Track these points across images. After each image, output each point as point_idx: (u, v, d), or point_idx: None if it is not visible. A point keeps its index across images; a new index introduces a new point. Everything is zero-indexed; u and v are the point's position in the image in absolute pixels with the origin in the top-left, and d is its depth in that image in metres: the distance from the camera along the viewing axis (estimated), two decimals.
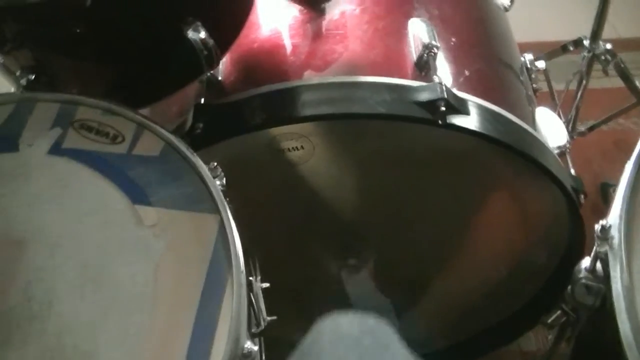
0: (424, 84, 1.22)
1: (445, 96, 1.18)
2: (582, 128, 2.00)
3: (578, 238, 1.37)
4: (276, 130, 1.23)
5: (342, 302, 1.50)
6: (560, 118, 1.62)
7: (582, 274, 0.99)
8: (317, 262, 1.50)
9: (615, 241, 0.90)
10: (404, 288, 1.58)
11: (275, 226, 1.38)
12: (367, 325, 1.20)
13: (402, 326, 1.53)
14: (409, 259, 1.52)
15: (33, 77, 1.11)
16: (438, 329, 1.71)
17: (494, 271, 1.59)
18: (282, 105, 1.23)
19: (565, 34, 1.98)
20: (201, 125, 1.21)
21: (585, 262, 0.99)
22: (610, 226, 0.92)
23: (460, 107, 1.21)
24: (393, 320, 1.48)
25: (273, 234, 1.38)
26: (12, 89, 1.24)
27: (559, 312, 1.26)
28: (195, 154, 1.00)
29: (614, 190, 1.58)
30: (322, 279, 1.51)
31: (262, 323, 0.96)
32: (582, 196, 1.35)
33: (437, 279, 1.60)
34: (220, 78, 1.29)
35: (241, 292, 0.87)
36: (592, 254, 0.96)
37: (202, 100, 1.27)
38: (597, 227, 0.93)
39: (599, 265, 0.96)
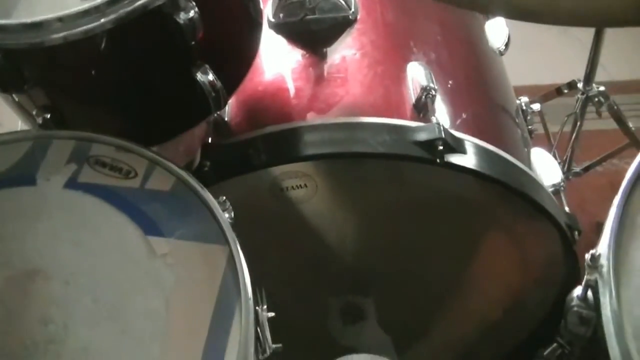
0: (422, 124, 1.27)
1: (443, 136, 1.22)
2: (577, 169, 2.04)
3: (573, 275, 1.39)
4: (280, 169, 1.27)
5: (344, 339, 1.53)
6: (556, 159, 1.65)
7: (574, 302, 1.02)
8: (318, 300, 1.53)
9: (605, 269, 0.94)
10: (402, 327, 1.59)
11: (277, 265, 1.41)
12: None
13: None
14: (408, 299, 1.54)
15: (49, 116, 1.15)
16: None
17: (491, 310, 1.60)
18: (285, 145, 1.27)
19: (560, 77, 2.02)
20: (208, 163, 1.25)
21: (577, 290, 1.03)
22: (599, 255, 0.96)
23: (457, 147, 1.25)
24: (393, 357, 1.52)
25: (275, 272, 1.41)
26: (20, 125, 1.29)
27: (554, 345, 1.29)
28: (205, 189, 1.04)
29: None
30: (324, 317, 1.54)
31: (268, 350, 0.99)
32: (577, 233, 1.38)
33: (435, 318, 1.62)
34: (226, 119, 1.33)
35: (249, 319, 0.91)
36: (583, 282, 1.00)
37: (210, 140, 1.31)
38: (587, 256, 0.97)
39: (589, 293, 1.00)
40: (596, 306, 0.96)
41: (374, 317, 1.53)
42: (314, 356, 1.39)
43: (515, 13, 1.15)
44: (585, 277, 0.98)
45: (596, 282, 0.95)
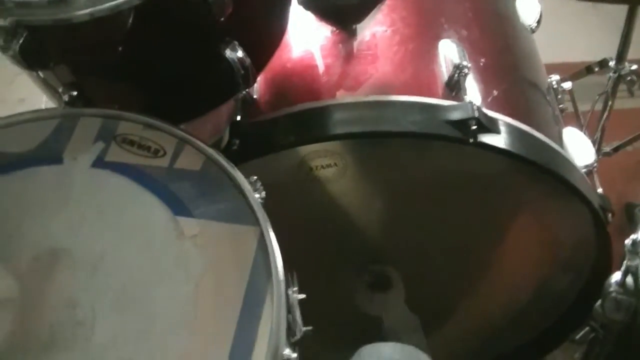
0: (455, 103, 1.24)
1: (477, 115, 1.20)
2: (607, 148, 2.01)
3: (605, 257, 1.38)
4: (309, 148, 1.26)
5: (370, 320, 1.52)
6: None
7: (613, 288, 1.00)
8: (346, 281, 1.51)
9: None
10: (429, 309, 1.58)
11: (304, 245, 1.38)
12: (407, 351, 1.23)
13: (428, 345, 1.56)
14: (435, 281, 1.53)
15: (75, 93, 1.13)
16: (462, 348, 1.71)
17: (519, 292, 1.60)
18: (315, 124, 1.25)
19: (590, 55, 2.00)
20: (237, 142, 1.23)
21: (616, 276, 1.01)
22: None
23: (490, 126, 1.22)
24: (422, 337, 1.51)
25: (302, 253, 1.40)
26: (44, 103, 1.27)
27: (587, 328, 1.28)
28: (235, 168, 1.02)
29: None
30: (350, 298, 1.52)
31: (298, 333, 0.98)
32: (610, 215, 1.36)
33: (463, 300, 1.62)
34: (255, 96, 1.32)
35: (281, 302, 0.89)
36: (623, 268, 0.98)
37: (238, 118, 1.30)
38: (628, 241, 0.95)
39: (629, 279, 0.98)
40: (636, 293, 0.94)
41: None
42: (343, 332, 1.39)
43: None
44: (626, 262, 0.96)
45: (637, 268, 0.93)
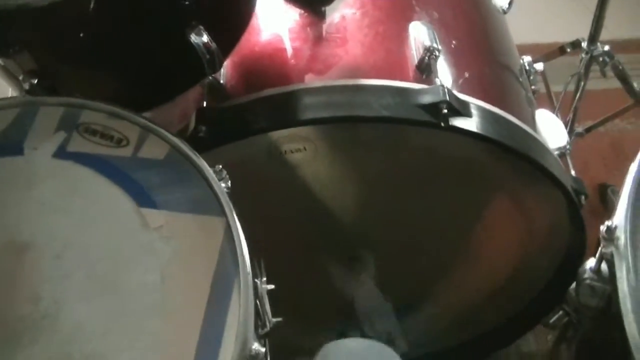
0: (425, 86, 1.23)
1: (448, 99, 1.19)
2: (579, 129, 2.01)
3: (579, 240, 1.38)
4: (278, 133, 1.24)
5: (345, 304, 1.51)
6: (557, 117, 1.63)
7: (587, 275, 0.99)
8: (319, 266, 1.50)
9: (621, 242, 0.91)
10: (406, 291, 1.58)
11: (276, 231, 1.38)
12: (374, 348, 1.22)
13: (403, 328, 1.56)
14: (411, 263, 1.52)
15: (36, 81, 1.10)
16: (438, 331, 1.71)
17: (494, 275, 1.59)
18: (284, 109, 1.23)
19: (563, 36, 1.99)
20: (204, 128, 1.20)
21: (590, 262, 1.00)
22: (615, 227, 0.93)
23: (462, 110, 1.21)
24: (394, 322, 1.50)
25: (274, 239, 1.38)
26: (10, 93, 1.24)
27: (560, 312, 1.27)
28: (200, 157, 1.00)
29: (614, 192, 1.59)
30: (325, 283, 1.51)
31: (268, 324, 0.96)
32: (583, 197, 1.35)
33: (439, 283, 1.61)
34: (222, 81, 1.29)
35: (248, 294, 0.88)
36: (597, 254, 0.97)
37: (205, 104, 1.27)
38: (603, 228, 0.93)
39: (604, 265, 0.97)
40: (611, 280, 0.92)
41: (375, 281, 1.51)
42: (318, 328, 1.38)
43: None
44: (600, 249, 0.95)
45: (612, 255, 0.92)
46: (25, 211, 0.96)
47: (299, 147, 1.26)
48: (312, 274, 1.50)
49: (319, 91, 1.23)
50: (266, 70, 1.31)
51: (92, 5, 0.98)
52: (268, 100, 1.24)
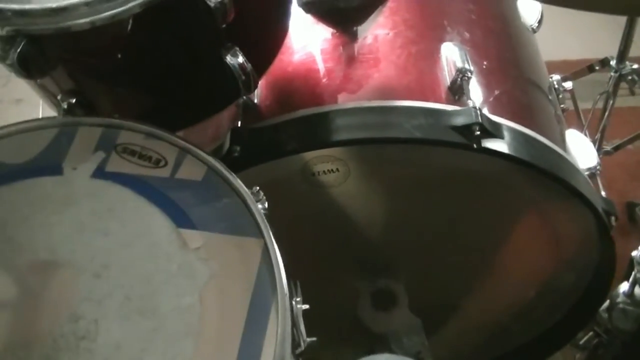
0: (458, 108, 1.23)
1: (480, 120, 1.19)
2: (607, 147, 2.01)
3: (608, 260, 1.37)
4: (312, 154, 1.25)
5: (375, 325, 1.51)
6: (587, 137, 1.63)
7: (620, 299, 0.99)
8: (348, 284, 1.51)
9: None
10: (433, 309, 1.58)
11: (306, 250, 1.38)
12: None
13: (431, 345, 1.56)
14: (438, 281, 1.52)
15: (74, 100, 1.12)
16: (465, 348, 1.71)
17: (522, 293, 1.59)
18: (318, 130, 1.24)
19: (590, 52, 1.99)
20: (238, 148, 1.22)
21: (623, 287, 1.00)
22: None
23: (494, 131, 1.21)
24: (424, 340, 1.50)
25: (305, 257, 1.39)
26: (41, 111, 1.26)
27: (591, 333, 1.27)
28: (237, 178, 1.00)
29: None
30: (354, 301, 1.52)
31: (302, 344, 0.97)
32: (613, 218, 1.35)
33: (465, 301, 1.61)
34: (256, 101, 1.30)
35: (286, 316, 0.88)
36: (631, 279, 0.97)
37: (239, 124, 1.28)
38: (637, 253, 0.94)
39: (637, 290, 0.97)
40: None
41: (405, 301, 1.51)
42: (345, 345, 1.38)
43: None
44: (634, 274, 0.95)
45: None
46: (64, 230, 0.97)
47: (332, 167, 1.27)
48: (341, 292, 1.50)
49: (352, 112, 1.24)
50: (299, 90, 1.32)
51: (130, 29, 1.00)
52: (301, 121, 1.25)
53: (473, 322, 1.65)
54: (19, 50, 0.95)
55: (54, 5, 0.94)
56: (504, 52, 1.47)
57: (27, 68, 0.99)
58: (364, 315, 1.50)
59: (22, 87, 1.22)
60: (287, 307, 0.89)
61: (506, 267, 1.55)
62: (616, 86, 1.85)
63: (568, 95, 1.72)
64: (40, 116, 1.34)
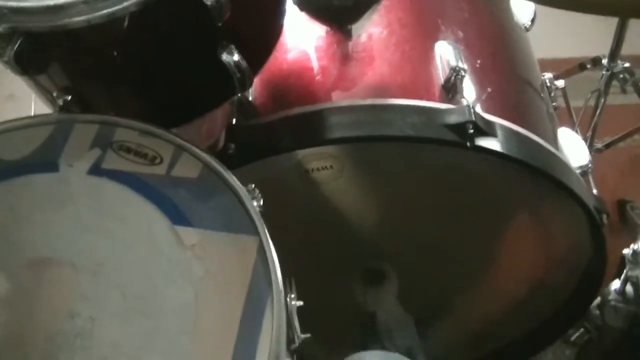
0: (451, 106, 1.24)
1: (474, 119, 1.20)
2: (599, 145, 2.02)
3: (599, 257, 1.38)
4: (306, 151, 1.25)
5: (366, 319, 1.52)
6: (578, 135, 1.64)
7: (612, 296, 1.00)
8: (341, 280, 1.51)
9: None
10: (425, 305, 1.59)
11: (298, 246, 1.37)
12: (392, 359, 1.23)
13: (423, 341, 1.56)
14: (431, 278, 1.53)
15: (69, 98, 1.12)
16: (457, 344, 1.72)
17: (514, 289, 1.60)
18: (312, 128, 1.24)
19: (581, 50, 2.00)
20: (233, 146, 1.22)
21: (615, 284, 1.01)
22: None
23: (487, 130, 1.22)
24: (415, 336, 1.51)
25: (299, 254, 1.39)
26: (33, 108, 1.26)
27: (582, 330, 1.28)
28: (232, 176, 1.01)
29: (633, 208, 1.59)
30: (347, 297, 1.52)
31: (297, 340, 0.97)
32: (605, 216, 1.36)
33: (458, 297, 1.62)
34: (250, 99, 1.31)
35: (281, 312, 0.89)
36: (622, 277, 0.98)
37: (234, 121, 1.28)
38: (628, 251, 0.95)
39: (628, 287, 0.98)
40: (637, 301, 0.94)
41: (396, 296, 1.51)
42: (339, 341, 1.38)
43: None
44: (626, 272, 0.96)
45: (637, 277, 0.93)
46: (60, 228, 0.97)
47: (325, 165, 1.27)
48: (334, 288, 1.51)
49: (346, 110, 1.25)
50: (294, 88, 1.33)
51: (126, 28, 1.00)
52: (296, 118, 1.25)
53: (464, 318, 1.66)
54: (15, 47, 0.96)
55: (51, 3, 0.95)
56: (498, 50, 1.48)
57: (24, 65, 1.00)
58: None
59: (14, 83, 1.22)
60: (282, 303, 0.90)
61: (498, 264, 1.57)
62: (608, 84, 1.85)
63: (560, 93, 1.73)
64: (33, 112, 1.35)
